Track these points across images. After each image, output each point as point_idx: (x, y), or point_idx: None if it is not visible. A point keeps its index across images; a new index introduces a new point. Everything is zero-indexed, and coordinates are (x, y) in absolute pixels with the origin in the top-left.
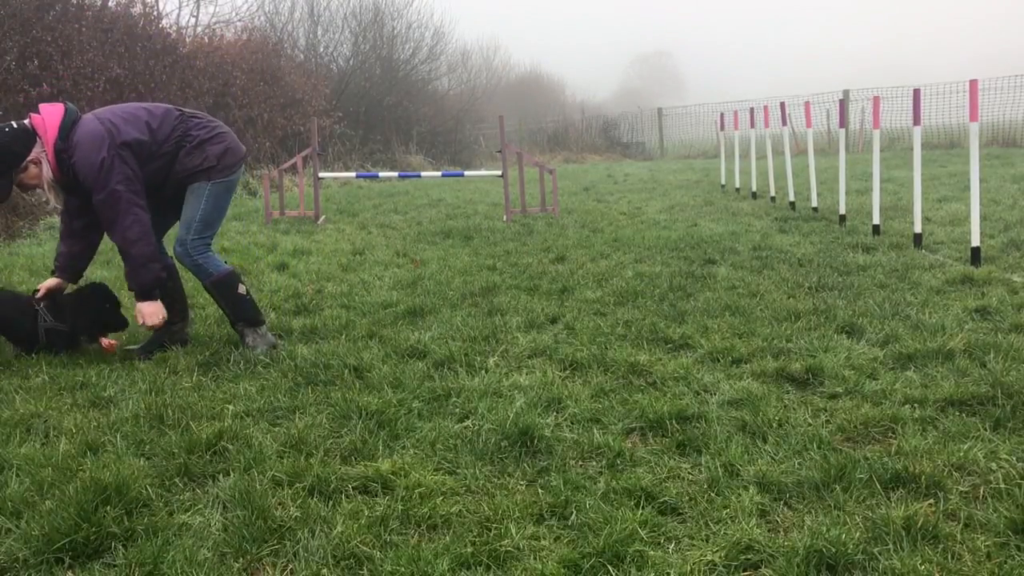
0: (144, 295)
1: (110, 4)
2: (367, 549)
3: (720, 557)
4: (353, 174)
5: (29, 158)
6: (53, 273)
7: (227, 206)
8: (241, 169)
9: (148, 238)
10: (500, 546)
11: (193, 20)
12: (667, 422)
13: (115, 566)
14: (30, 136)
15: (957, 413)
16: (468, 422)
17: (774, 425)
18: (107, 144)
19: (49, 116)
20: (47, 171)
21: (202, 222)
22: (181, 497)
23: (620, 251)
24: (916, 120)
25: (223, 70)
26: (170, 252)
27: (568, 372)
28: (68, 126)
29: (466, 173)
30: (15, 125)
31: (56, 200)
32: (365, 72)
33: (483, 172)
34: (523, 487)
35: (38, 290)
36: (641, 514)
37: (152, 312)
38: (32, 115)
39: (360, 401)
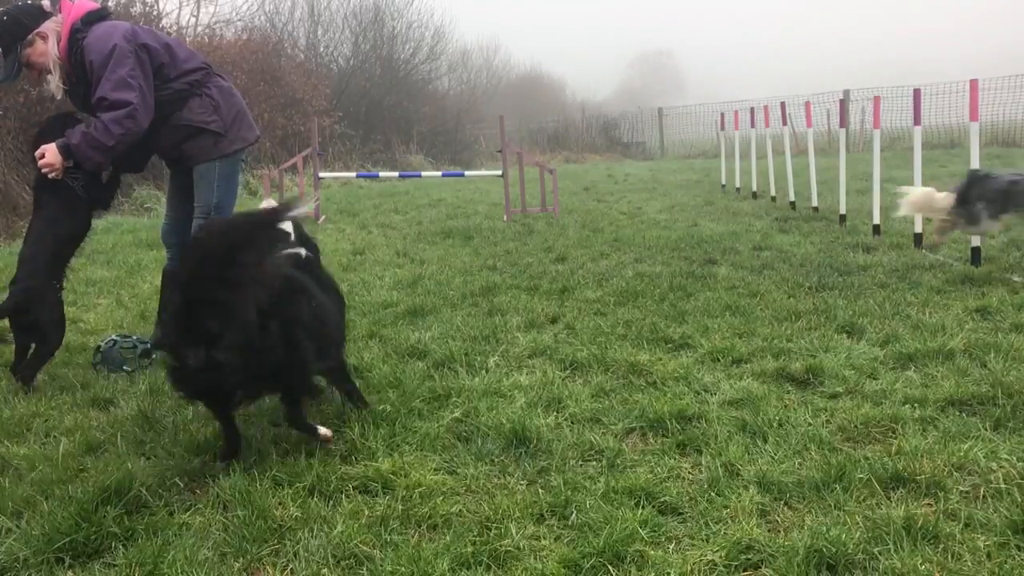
0: (66, 150)
1: (109, 4)
2: (367, 549)
3: (720, 557)
4: (353, 174)
5: (36, 31)
6: None
7: (237, 187)
8: (245, 153)
9: (128, 137)
10: (500, 546)
11: (193, 20)
12: (667, 422)
13: (115, 566)
14: (42, 12)
15: (957, 413)
16: (468, 421)
17: (774, 425)
18: (126, 35)
19: (80, 3)
20: (53, 47)
21: (218, 208)
22: (181, 497)
23: (620, 251)
24: (916, 120)
25: (223, 70)
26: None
27: (568, 372)
28: (96, 17)
29: (466, 173)
30: (31, 1)
31: (57, 85)
32: (365, 72)
33: (483, 172)
34: (523, 487)
35: None
36: (641, 514)
37: (52, 159)
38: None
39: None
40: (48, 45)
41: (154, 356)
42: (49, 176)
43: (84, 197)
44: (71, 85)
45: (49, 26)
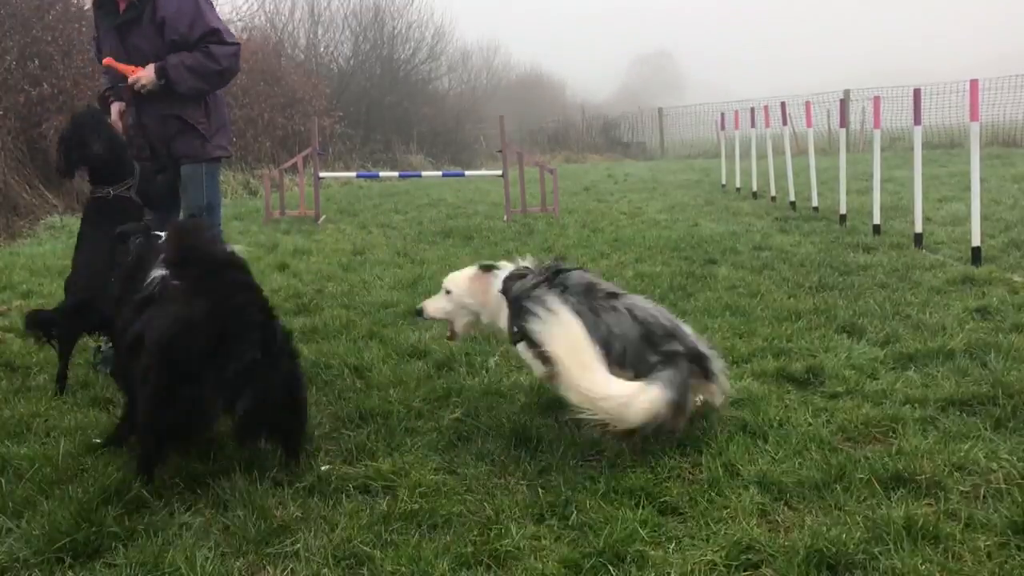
0: (162, 71)
1: None
2: (368, 549)
3: (720, 557)
4: (353, 174)
5: None
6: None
7: (220, 191)
8: (220, 163)
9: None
10: (500, 546)
11: None
12: None
13: (115, 566)
14: None
15: (958, 413)
16: (468, 421)
17: (774, 425)
18: None
19: None
20: None
21: (209, 208)
22: (181, 497)
23: (620, 251)
24: (917, 120)
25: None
26: None
27: None
28: None
29: (467, 173)
30: None
31: None
32: (365, 72)
33: (484, 172)
34: (523, 487)
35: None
36: (641, 514)
37: (147, 77)
38: None
39: (361, 401)
40: None
41: None
42: (138, 87)
43: (137, 203)
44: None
45: None
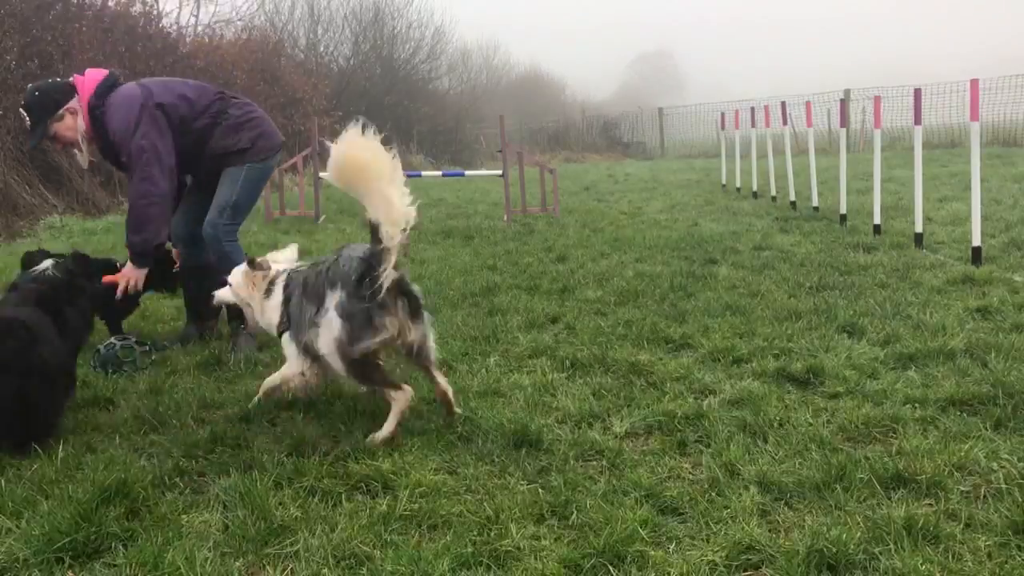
0: (134, 258)
1: (110, 4)
2: (367, 549)
3: (721, 557)
4: None
5: (67, 107)
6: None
7: (259, 194)
8: (276, 158)
9: (153, 203)
10: (500, 546)
11: (193, 20)
12: (667, 422)
13: (115, 566)
14: (69, 88)
15: (958, 413)
16: (468, 421)
17: (775, 425)
18: (139, 103)
19: (90, 76)
20: (80, 123)
21: (234, 207)
22: (181, 497)
23: (621, 251)
24: (917, 120)
25: (223, 69)
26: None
27: (568, 372)
28: (106, 88)
29: (467, 173)
30: (59, 79)
31: (85, 157)
32: (365, 71)
33: (484, 172)
34: (523, 487)
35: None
36: (641, 514)
37: (134, 277)
38: (75, 76)
39: (361, 401)
40: (77, 120)
41: (154, 357)
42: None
43: None
44: (104, 152)
45: (75, 103)
